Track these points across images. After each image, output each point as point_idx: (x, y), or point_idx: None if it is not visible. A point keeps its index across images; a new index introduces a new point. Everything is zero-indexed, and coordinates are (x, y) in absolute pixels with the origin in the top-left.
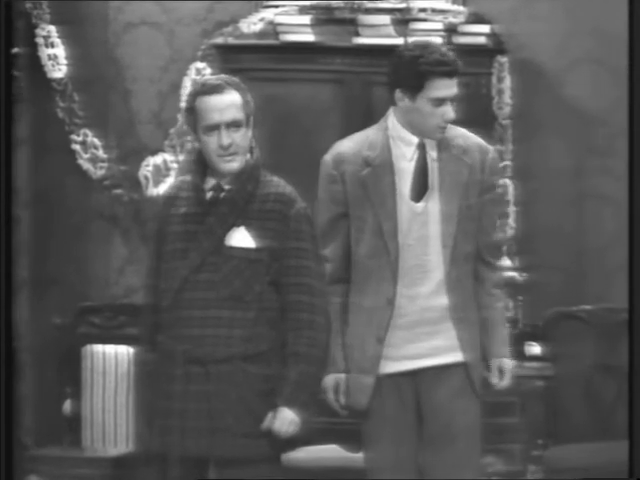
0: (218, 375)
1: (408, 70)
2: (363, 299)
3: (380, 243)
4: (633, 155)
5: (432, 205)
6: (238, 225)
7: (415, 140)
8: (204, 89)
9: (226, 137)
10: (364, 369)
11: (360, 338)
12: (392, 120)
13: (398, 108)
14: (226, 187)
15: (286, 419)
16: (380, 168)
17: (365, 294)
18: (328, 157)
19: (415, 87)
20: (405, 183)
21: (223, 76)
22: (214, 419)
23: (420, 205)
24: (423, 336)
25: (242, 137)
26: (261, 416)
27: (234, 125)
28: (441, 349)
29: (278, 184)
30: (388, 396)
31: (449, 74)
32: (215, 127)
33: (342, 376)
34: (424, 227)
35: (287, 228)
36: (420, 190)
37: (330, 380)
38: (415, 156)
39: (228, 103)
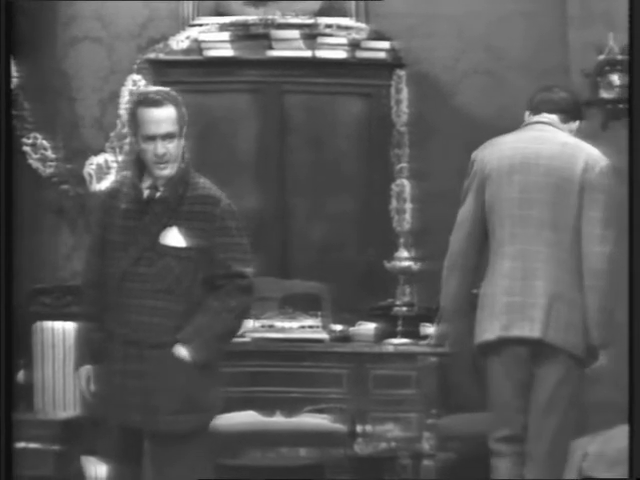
0: (151, 358)
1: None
2: None
3: None
4: (633, 156)
5: None
6: (171, 225)
7: None
8: (146, 101)
9: (161, 147)
10: None
11: None
12: None
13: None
14: (161, 188)
15: (180, 353)
16: None
17: None
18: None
19: None
20: None
21: (163, 90)
22: (147, 397)
23: None
24: None
25: (175, 147)
26: (190, 395)
27: (169, 137)
28: None
29: (204, 186)
30: None
31: None
32: (152, 137)
33: None
34: None
35: (214, 226)
36: None
37: None
38: None
39: (165, 117)
